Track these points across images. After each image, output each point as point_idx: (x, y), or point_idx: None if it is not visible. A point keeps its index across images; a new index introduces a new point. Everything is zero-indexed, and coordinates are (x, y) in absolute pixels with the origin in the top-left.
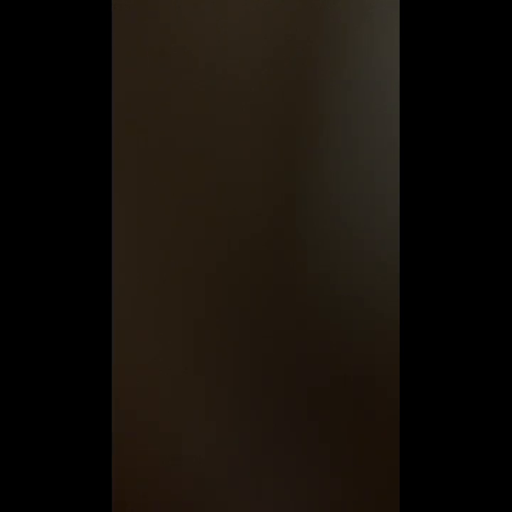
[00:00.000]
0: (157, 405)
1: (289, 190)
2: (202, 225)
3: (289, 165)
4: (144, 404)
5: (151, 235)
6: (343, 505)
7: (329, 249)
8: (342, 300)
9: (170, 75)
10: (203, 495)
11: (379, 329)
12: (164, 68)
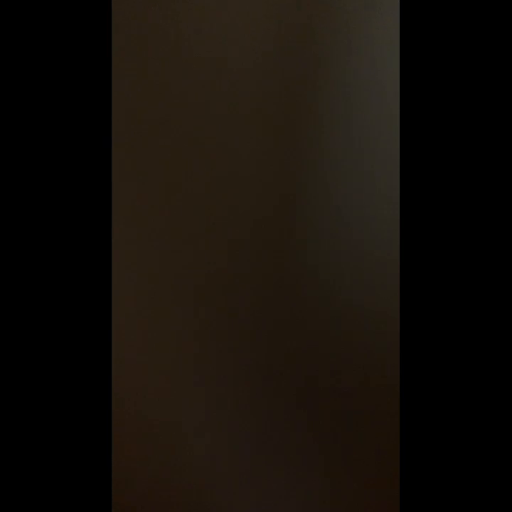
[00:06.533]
0: (157, 405)
1: (289, 190)
2: (202, 225)
3: (289, 165)
4: (144, 404)
5: (150, 235)
6: (343, 506)
7: (329, 249)
8: (342, 300)
9: (170, 74)
10: (203, 495)
11: (379, 329)
12: (164, 68)
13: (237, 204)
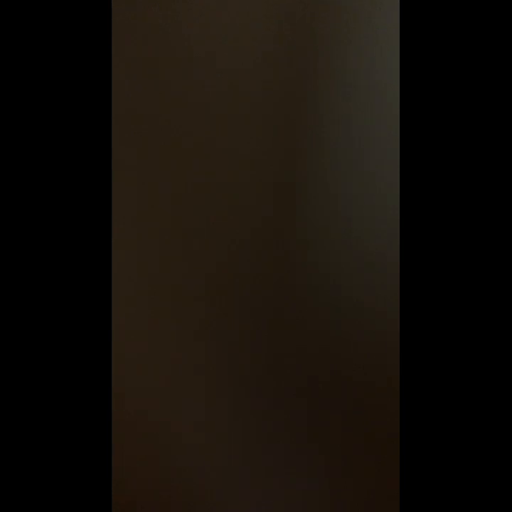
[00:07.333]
0: (157, 405)
1: (289, 190)
2: (201, 225)
3: (289, 165)
4: (144, 404)
5: (150, 235)
6: (343, 506)
7: (329, 249)
8: (342, 300)
9: (170, 74)
10: (203, 495)
11: (379, 329)
12: (164, 67)
13: (237, 204)
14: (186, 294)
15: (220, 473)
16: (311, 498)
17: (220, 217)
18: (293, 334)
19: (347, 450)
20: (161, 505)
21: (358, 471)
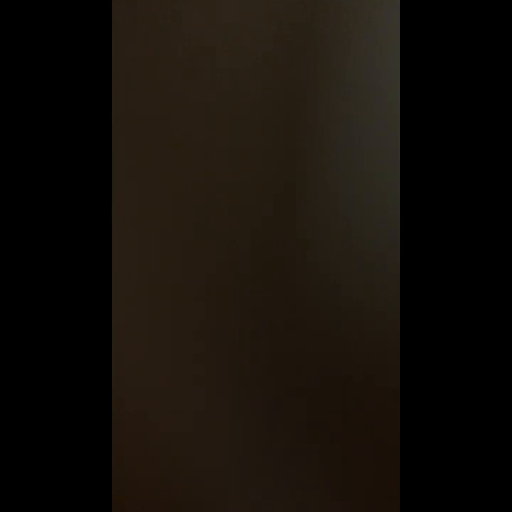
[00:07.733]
0: (157, 405)
1: (289, 190)
2: (202, 225)
3: (289, 165)
4: (144, 404)
5: (150, 235)
6: (343, 506)
7: (329, 249)
8: (342, 300)
9: (170, 74)
10: (203, 495)
11: (379, 329)
12: (164, 68)
13: (237, 204)
14: (186, 294)
15: (220, 473)
16: (311, 498)
17: (220, 217)
18: (293, 334)
19: (347, 450)
20: (161, 505)
21: (357, 471)
